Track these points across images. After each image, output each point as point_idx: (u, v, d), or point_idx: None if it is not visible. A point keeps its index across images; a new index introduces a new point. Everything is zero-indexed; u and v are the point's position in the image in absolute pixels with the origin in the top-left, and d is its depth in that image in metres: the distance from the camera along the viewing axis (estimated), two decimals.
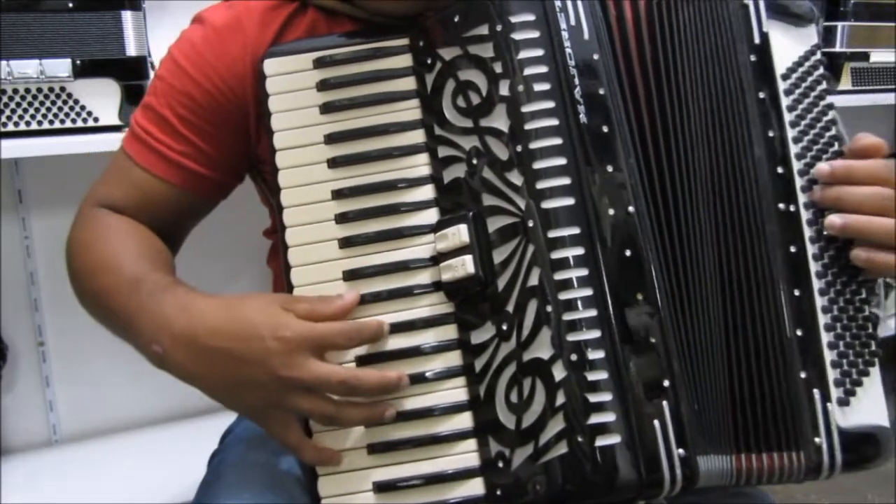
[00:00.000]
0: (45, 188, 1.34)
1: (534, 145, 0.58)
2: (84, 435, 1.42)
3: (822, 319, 0.61)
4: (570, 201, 0.57)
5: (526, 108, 0.59)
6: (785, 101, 0.63)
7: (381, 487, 0.60)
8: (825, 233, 0.62)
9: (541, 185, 0.58)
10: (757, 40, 0.64)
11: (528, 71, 0.59)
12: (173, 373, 0.60)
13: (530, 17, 0.59)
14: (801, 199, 0.63)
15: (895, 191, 0.60)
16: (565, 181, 0.58)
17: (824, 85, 0.65)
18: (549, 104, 0.58)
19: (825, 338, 0.61)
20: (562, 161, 0.58)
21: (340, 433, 0.61)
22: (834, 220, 0.60)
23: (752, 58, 0.63)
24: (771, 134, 0.63)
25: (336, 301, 0.59)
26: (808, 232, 0.62)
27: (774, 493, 0.75)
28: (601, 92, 0.60)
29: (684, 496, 0.60)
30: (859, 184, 0.60)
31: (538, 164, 0.58)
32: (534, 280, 0.57)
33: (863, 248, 0.60)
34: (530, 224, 0.57)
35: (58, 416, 1.41)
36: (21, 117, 1.10)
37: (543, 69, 0.59)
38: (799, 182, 0.63)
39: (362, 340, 0.59)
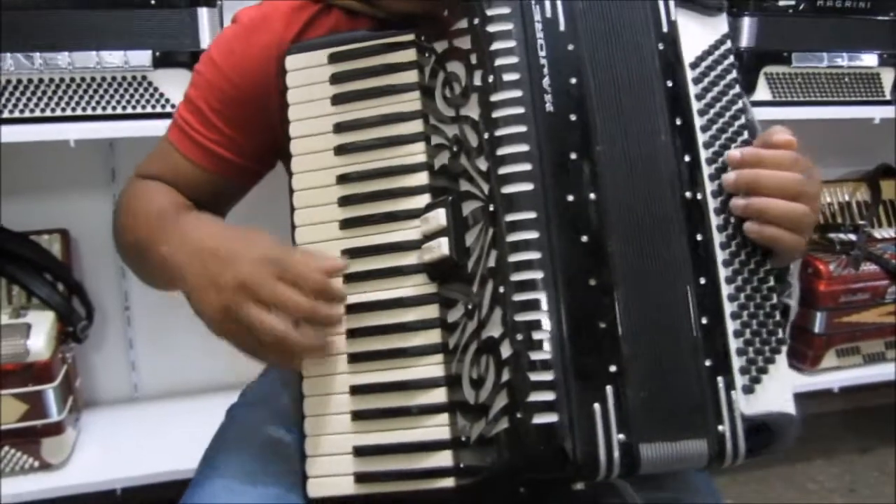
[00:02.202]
0: (135, 166, 1.47)
1: (499, 132, 0.60)
2: (162, 394, 1.54)
3: (729, 308, 0.61)
4: (529, 187, 0.59)
5: (495, 98, 0.61)
6: (693, 90, 0.63)
7: (360, 451, 0.64)
8: (732, 221, 0.61)
9: (503, 170, 0.59)
10: (665, 28, 0.64)
11: (499, 62, 0.61)
12: (176, 275, 0.65)
13: (505, 11, 0.62)
14: (709, 187, 0.62)
15: (803, 176, 0.60)
16: (526, 167, 0.59)
17: (734, 74, 0.64)
18: (517, 93, 0.60)
19: (731, 326, 0.60)
20: (524, 148, 0.59)
21: (328, 398, 0.65)
22: (738, 201, 0.61)
23: (660, 46, 0.63)
24: (678, 122, 0.62)
25: (328, 260, 0.63)
26: (715, 220, 0.62)
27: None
28: (572, 81, 0.61)
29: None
30: (770, 169, 0.61)
31: (502, 151, 0.60)
32: (492, 262, 0.59)
33: (755, 222, 0.60)
34: (491, 208, 0.60)
35: (139, 375, 1.55)
36: (108, 102, 1.22)
37: (514, 60, 0.61)
38: (707, 170, 0.62)
39: (323, 295, 0.62)
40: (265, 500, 0.65)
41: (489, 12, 0.62)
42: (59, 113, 1.20)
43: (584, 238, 0.59)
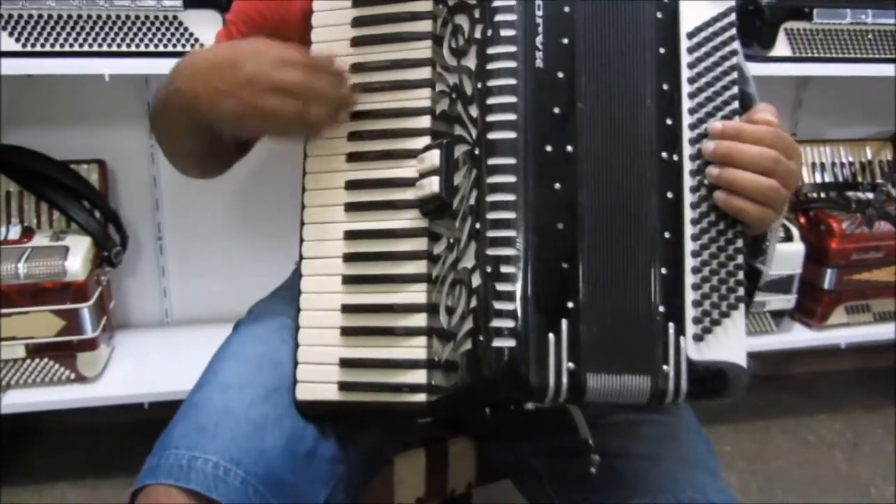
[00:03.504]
0: None
1: (491, 83, 0.64)
2: (191, 321, 1.63)
3: (690, 262, 0.64)
4: (511, 135, 0.63)
5: (490, 51, 0.65)
6: (686, 58, 0.66)
7: (345, 363, 0.70)
8: (706, 184, 0.65)
9: (490, 118, 0.64)
10: None
11: (498, 18, 0.65)
12: (193, 104, 0.70)
13: None
14: (688, 150, 0.65)
15: (779, 154, 0.63)
16: (511, 117, 0.63)
17: (732, 46, 0.67)
18: (511, 48, 0.64)
19: (690, 279, 0.64)
20: (511, 99, 0.64)
21: (322, 314, 0.71)
22: (712, 170, 0.64)
23: (659, 14, 0.66)
24: (665, 87, 0.66)
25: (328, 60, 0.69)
26: (689, 181, 0.65)
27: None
28: (564, 42, 0.65)
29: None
30: (748, 143, 0.63)
31: (491, 101, 0.64)
32: (472, 200, 0.64)
33: (724, 191, 0.64)
34: (476, 152, 0.64)
35: (170, 301, 1.64)
36: (142, 40, 1.28)
37: (512, 17, 0.64)
38: (688, 135, 0.66)
39: (321, 71, 0.68)
40: (255, 398, 0.72)
41: None
42: (95, 48, 1.27)
43: (557, 186, 0.63)
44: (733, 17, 0.68)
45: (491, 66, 0.65)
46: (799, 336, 1.71)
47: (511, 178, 0.63)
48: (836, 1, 1.47)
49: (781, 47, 1.48)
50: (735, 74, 0.67)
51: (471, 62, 0.67)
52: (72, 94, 1.47)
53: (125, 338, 1.56)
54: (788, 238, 1.61)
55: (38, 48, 1.25)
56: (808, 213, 1.69)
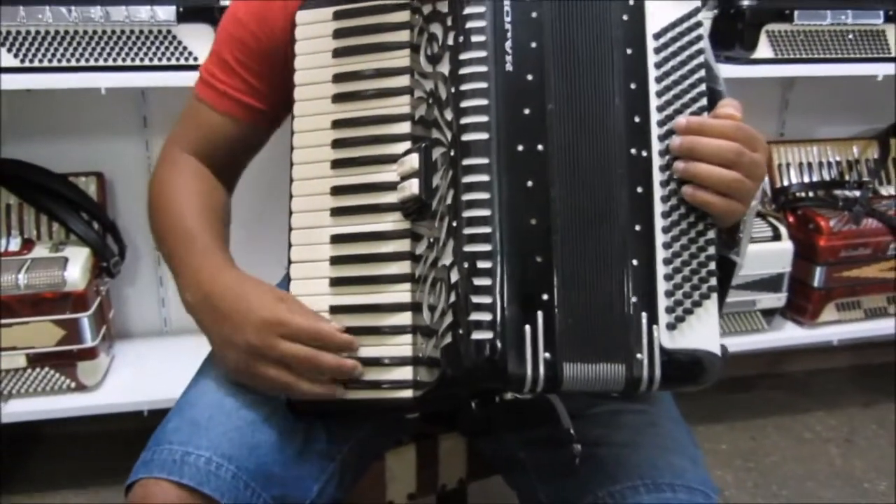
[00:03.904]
0: (165, 115, 1.55)
1: (464, 87, 0.67)
2: (190, 329, 1.63)
3: (662, 254, 0.66)
4: (484, 136, 0.65)
5: (462, 56, 0.67)
6: (653, 58, 0.68)
7: None
8: (675, 178, 0.67)
9: (463, 120, 0.66)
10: (632, 1, 0.69)
11: (469, 24, 0.67)
12: (195, 320, 0.76)
13: None
14: (657, 146, 0.68)
15: (741, 146, 0.65)
16: (483, 119, 0.66)
17: (699, 45, 0.69)
18: (482, 53, 0.67)
19: (662, 270, 0.66)
20: (483, 102, 0.66)
21: (312, 299, 0.74)
22: (678, 164, 0.67)
23: (625, 17, 0.69)
24: (633, 87, 0.68)
25: (331, 329, 0.70)
26: (659, 176, 0.67)
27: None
28: (532, 45, 0.67)
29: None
30: (711, 137, 0.66)
31: (464, 104, 0.66)
32: (449, 200, 0.66)
33: (691, 185, 0.66)
34: (452, 153, 0.67)
35: (168, 311, 1.66)
36: (137, 54, 1.31)
37: (482, 23, 0.67)
38: (656, 131, 0.68)
39: (326, 346, 0.70)
40: (247, 395, 0.75)
41: None
42: (92, 63, 1.30)
43: (530, 183, 0.66)
44: (699, 17, 0.70)
45: (463, 70, 0.67)
46: (791, 334, 1.73)
47: (485, 178, 0.65)
48: (816, 2, 1.49)
49: (764, 49, 1.50)
50: (702, 72, 0.69)
51: (445, 68, 0.69)
52: (69, 107, 1.50)
53: (125, 346, 1.59)
54: (777, 237, 1.63)
55: (35, 63, 1.28)
56: (796, 212, 1.71)
